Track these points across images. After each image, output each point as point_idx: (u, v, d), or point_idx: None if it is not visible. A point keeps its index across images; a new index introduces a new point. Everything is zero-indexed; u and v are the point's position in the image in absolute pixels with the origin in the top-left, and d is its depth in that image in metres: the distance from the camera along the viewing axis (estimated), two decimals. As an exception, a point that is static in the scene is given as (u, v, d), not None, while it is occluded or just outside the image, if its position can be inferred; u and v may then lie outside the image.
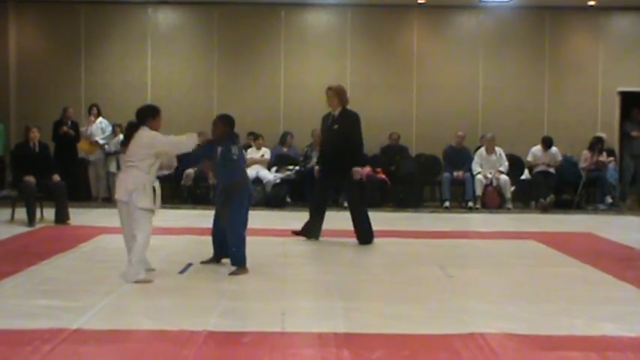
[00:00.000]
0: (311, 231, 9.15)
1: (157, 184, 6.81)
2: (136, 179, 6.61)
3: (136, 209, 6.61)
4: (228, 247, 7.13)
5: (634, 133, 14.26)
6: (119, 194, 6.70)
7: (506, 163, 13.70)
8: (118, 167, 13.69)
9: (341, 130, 8.46)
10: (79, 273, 7.07)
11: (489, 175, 13.47)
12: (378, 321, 5.41)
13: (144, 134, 6.67)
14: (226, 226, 7.09)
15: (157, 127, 6.80)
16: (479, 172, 13.48)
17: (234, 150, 7.08)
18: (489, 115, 15.13)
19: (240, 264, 7.06)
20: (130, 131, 6.74)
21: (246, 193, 7.26)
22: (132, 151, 6.67)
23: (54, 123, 13.57)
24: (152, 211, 6.72)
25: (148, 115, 6.76)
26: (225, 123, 7.26)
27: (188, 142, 6.93)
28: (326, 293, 6.30)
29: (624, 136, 14.64)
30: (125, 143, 6.76)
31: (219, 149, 7.13)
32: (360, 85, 15.16)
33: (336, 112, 8.60)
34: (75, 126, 13.75)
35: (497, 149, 13.73)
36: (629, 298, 6.38)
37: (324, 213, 9.19)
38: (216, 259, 7.41)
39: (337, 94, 8.61)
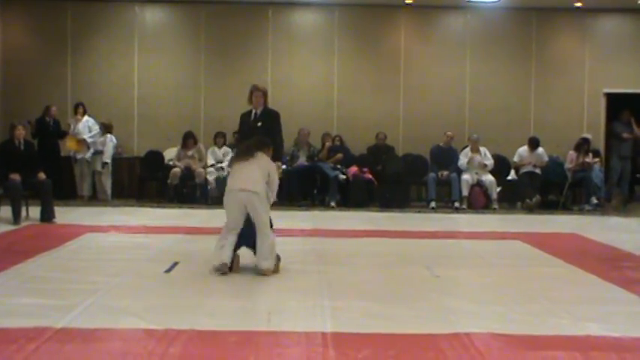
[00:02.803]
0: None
1: None
2: (262, 172, 7.04)
3: (265, 199, 7.03)
4: None
5: (625, 135, 14.19)
6: (246, 184, 6.95)
7: (492, 161, 13.75)
8: (103, 166, 13.66)
9: (265, 127, 8.61)
10: (64, 271, 7.03)
11: (475, 175, 13.53)
12: (365, 320, 5.41)
13: (266, 158, 7.16)
14: None
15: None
16: (466, 168, 13.52)
17: None
18: (476, 115, 15.18)
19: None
20: (249, 150, 7.19)
21: None
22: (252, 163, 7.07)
23: (35, 120, 13.45)
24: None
25: (267, 146, 7.27)
26: None
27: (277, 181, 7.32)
28: (312, 292, 6.29)
29: (613, 136, 14.47)
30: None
31: None
32: (347, 85, 15.20)
33: (259, 111, 8.82)
34: (56, 124, 13.69)
35: (482, 149, 13.79)
36: (614, 299, 6.41)
37: None
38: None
39: (265, 94, 8.90)
